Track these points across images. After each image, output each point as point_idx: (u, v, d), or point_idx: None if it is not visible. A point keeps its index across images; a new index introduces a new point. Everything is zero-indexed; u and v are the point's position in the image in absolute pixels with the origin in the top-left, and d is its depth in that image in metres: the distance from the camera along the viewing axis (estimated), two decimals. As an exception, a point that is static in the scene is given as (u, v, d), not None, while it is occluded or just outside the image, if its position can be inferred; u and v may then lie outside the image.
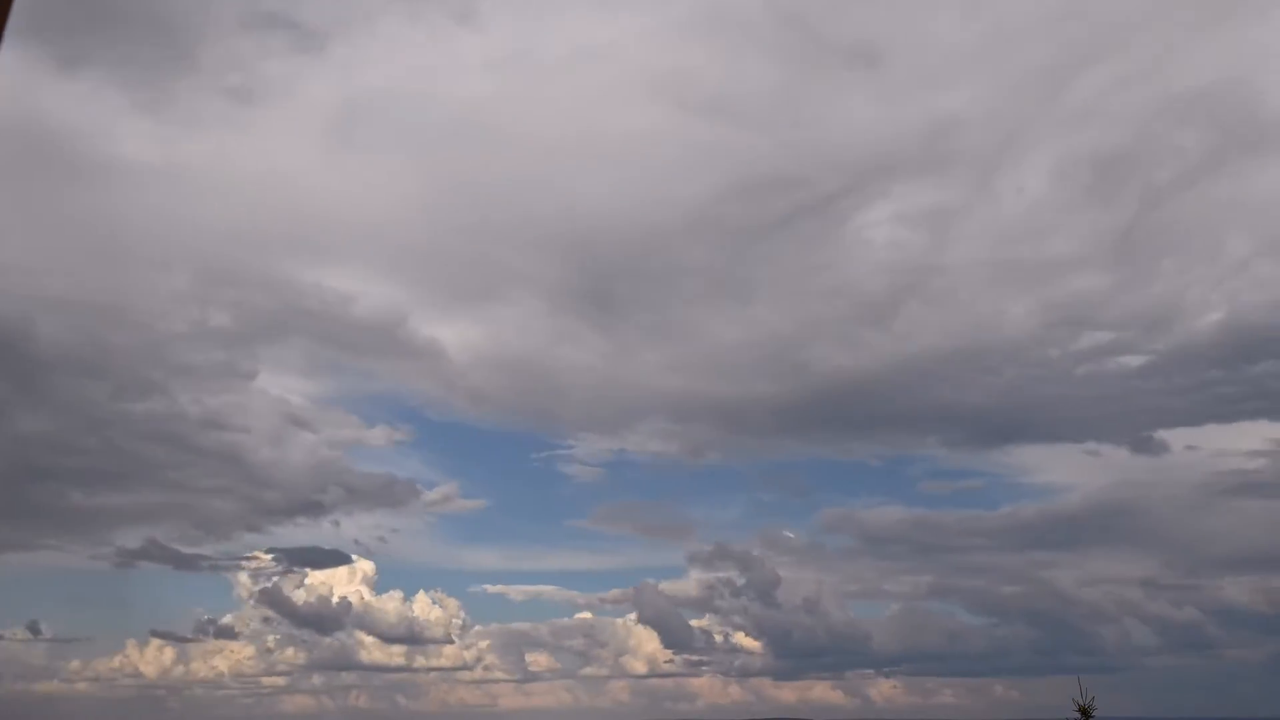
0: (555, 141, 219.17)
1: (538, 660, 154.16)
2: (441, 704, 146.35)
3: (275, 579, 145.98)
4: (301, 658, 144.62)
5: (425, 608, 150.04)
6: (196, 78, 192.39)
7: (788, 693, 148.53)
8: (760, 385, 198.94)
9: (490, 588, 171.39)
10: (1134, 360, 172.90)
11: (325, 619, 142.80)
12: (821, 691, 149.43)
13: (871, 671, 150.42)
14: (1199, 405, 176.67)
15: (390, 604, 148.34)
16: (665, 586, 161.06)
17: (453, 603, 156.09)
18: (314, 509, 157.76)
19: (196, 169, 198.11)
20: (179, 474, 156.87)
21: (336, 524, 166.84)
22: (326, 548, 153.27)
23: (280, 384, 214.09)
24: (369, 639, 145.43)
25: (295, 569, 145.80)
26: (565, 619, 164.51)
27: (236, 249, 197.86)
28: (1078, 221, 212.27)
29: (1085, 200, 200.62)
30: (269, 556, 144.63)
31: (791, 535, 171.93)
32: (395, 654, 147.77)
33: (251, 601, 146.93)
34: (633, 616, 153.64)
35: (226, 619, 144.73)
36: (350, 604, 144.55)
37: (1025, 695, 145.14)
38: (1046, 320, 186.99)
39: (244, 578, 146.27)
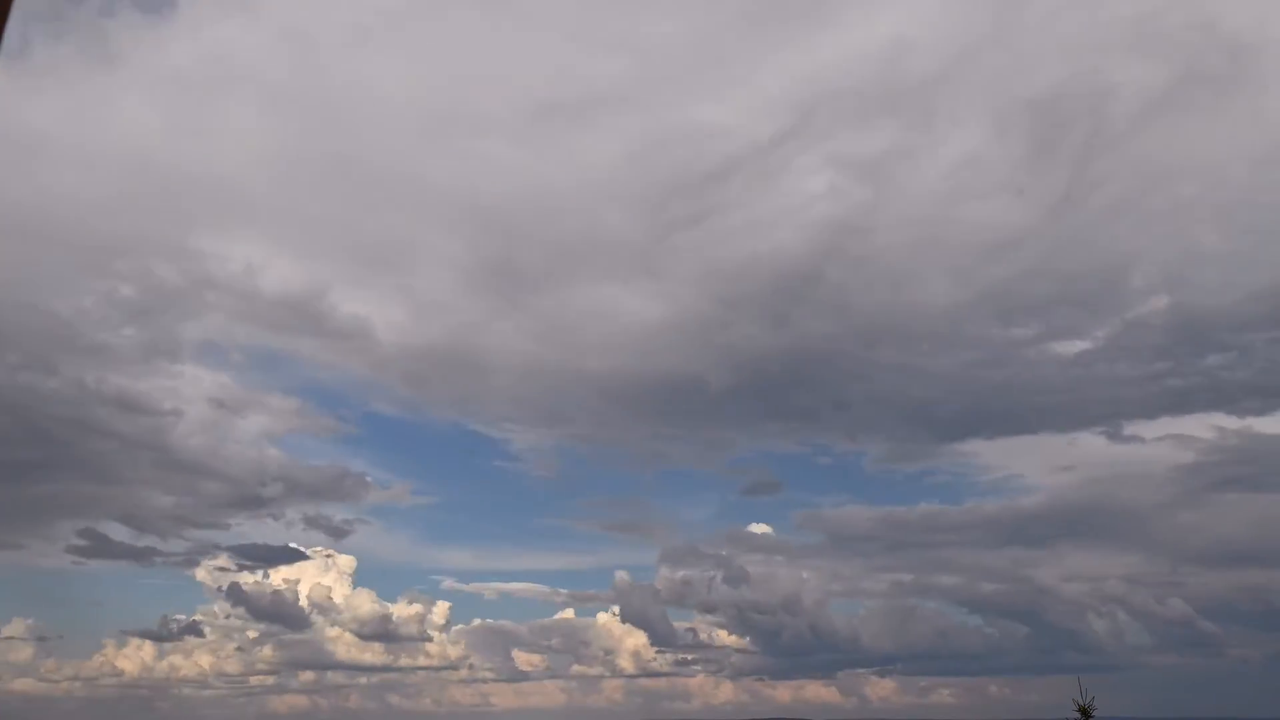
0: (445, 100, 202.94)
1: (530, 660, 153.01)
2: (435, 703, 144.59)
3: (247, 574, 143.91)
4: (278, 655, 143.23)
5: (403, 606, 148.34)
6: (37, 34, 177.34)
7: (783, 692, 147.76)
8: (693, 368, 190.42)
9: (464, 585, 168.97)
10: (1074, 347, 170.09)
11: (293, 617, 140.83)
12: (816, 691, 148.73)
13: (865, 671, 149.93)
14: (1152, 396, 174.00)
15: (365, 601, 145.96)
16: (641, 584, 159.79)
17: (428, 600, 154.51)
18: (257, 502, 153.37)
19: (52, 134, 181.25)
20: (108, 462, 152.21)
21: (283, 515, 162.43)
22: (275, 544, 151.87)
23: (201, 369, 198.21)
24: (348, 636, 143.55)
25: (252, 563, 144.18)
26: (545, 618, 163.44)
27: (117, 223, 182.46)
28: (1017, 182, 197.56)
29: (1026, 157, 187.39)
30: (226, 554, 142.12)
31: (758, 532, 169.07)
32: (375, 652, 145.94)
33: (219, 599, 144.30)
34: (613, 614, 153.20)
35: (196, 616, 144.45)
36: (316, 601, 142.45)
37: (1019, 694, 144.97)
38: (982, 297, 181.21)
39: (203, 574, 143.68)
